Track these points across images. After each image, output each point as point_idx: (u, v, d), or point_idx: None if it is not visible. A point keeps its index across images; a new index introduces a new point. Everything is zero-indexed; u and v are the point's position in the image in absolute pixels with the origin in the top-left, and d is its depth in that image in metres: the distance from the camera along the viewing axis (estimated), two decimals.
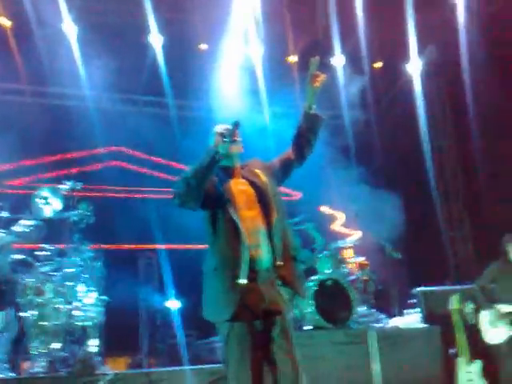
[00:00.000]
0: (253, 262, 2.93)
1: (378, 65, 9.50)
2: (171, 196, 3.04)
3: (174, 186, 3.02)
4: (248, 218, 3.01)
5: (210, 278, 2.99)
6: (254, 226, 3.00)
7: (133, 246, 7.49)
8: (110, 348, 5.69)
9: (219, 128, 3.09)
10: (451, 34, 8.41)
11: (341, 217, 8.39)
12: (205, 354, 6.25)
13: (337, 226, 8.31)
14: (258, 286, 2.91)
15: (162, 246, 7.22)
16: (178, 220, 7.29)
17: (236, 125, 3.06)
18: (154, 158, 8.69)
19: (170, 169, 8.48)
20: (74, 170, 7.80)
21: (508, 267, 5.41)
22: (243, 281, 2.87)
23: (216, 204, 3.02)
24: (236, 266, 2.89)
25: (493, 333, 5.25)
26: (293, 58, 9.36)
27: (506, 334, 5.16)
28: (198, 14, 8.54)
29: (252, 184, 3.11)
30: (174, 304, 6.96)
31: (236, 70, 8.90)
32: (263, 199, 3.07)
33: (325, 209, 8.44)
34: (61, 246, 5.48)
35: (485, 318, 5.31)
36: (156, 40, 8.60)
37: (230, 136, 3.01)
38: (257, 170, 3.17)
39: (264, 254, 2.97)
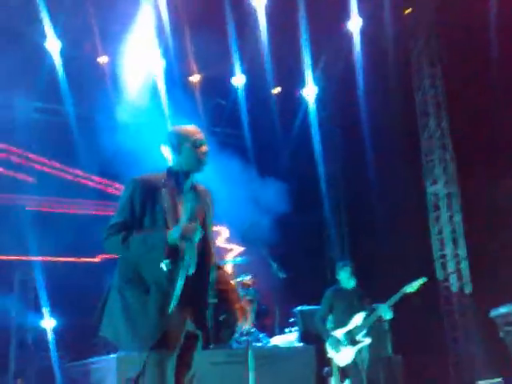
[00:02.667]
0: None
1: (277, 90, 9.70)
2: (103, 239, 2.84)
3: (106, 234, 2.84)
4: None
5: (136, 300, 2.77)
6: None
7: (6, 257, 7.14)
8: None
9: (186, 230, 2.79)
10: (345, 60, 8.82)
11: (224, 232, 8.51)
12: (79, 376, 6.06)
13: (220, 242, 8.41)
14: (183, 309, 2.81)
15: (40, 258, 6.93)
16: (56, 231, 7.11)
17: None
18: (39, 159, 8.30)
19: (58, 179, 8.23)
20: None
21: (339, 293, 5.76)
22: (170, 310, 2.71)
23: (155, 221, 2.85)
24: (168, 294, 2.73)
25: (340, 357, 5.49)
26: (195, 78, 9.38)
27: (351, 353, 5.44)
28: (98, 23, 8.36)
29: (200, 208, 3.00)
30: (48, 323, 6.69)
31: (137, 83, 8.78)
32: (204, 227, 2.94)
33: (212, 226, 8.44)
34: None
35: (328, 346, 5.56)
36: (53, 46, 8.32)
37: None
38: (207, 199, 3.09)
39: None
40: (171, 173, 3.01)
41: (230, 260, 7.26)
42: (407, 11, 9.06)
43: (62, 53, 8.27)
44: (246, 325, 6.40)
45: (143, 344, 2.74)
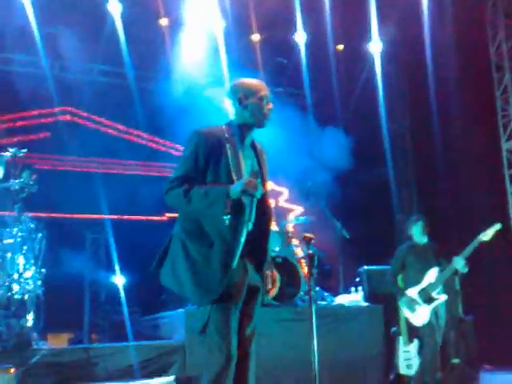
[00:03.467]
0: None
1: (340, 47, 9.37)
2: (164, 192, 2.86)
3: (168, 188, 2.84)
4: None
5: (202, 253, 2.79)
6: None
7: (78, 216, 7.37)
8: (52, 323, 5.59)
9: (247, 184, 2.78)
10: (413, 13, 8.38)
11: (284, 192, 8.43)
12: (149, 330, 6.23)
13: (281, 202, 8.35)
14: (245, 263, 2.88)
15: (111, 217, 7.12)
16: (125, 192, 7.26)
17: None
18: (108, 122, 8.47)
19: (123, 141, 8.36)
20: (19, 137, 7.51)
21: (412, 249, 5.55)
22: (234, 265, 2.77)
23: (221, 176, 2.85)
24: (232, 249, 2.78)
25: (416, 316, 5.32)
26: (255, 37, 9.18)
27: (427, 312, 5.25)
28: None
29: (258, 166, 3.03)
30: (119, 280, 6.90)
31: (198, 44, 8.71)
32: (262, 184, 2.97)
33: (269, 184, 8.42)
34: (0, 216, 5.34)
35: (402, 306, 5.42)
36: (115, 8, 8.34)
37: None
38: (264, 156, 3.10)
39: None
40: (233, 126, 2.97)
41: (292, 220, 7.19)
42: None
43: (123, 15, 8.28)
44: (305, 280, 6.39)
45: (207, 296, 2.77)
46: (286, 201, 8.53)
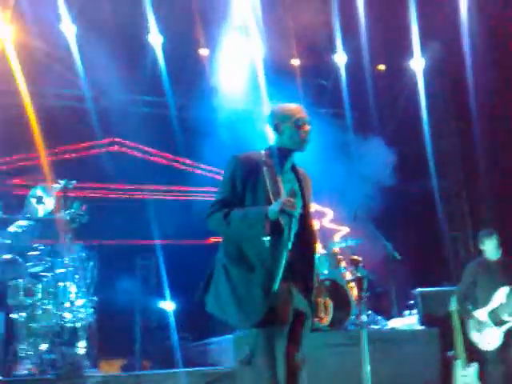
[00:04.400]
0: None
1: (381, 66, 9.33)
2: (206, 216, 2.93)
3: (210, 212, 2.90)
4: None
5: (242, 277, 2.80)
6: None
7: (128, 242, 7.49)
8: (104, 350, 5.64)
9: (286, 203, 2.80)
10: (455, 31, 8.27)
11: (329, 213, 8.32)
12: (199, 356, 6.20)
13: (326, 223, 8.22)
14: (289, 287, 2.85)
15: (159, 242, 7.20)
16: (172, 218, 7.35)
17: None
18: (154, 151, 8.66)
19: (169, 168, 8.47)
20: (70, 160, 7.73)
21: (485, 265, 5.22)
22: (275, 288, 2.73)
23: (259, 199, 2.87)
24: (273, 271, 2.75)
25: (483, 338, 5.03)
26: (295, 61, 9.24)
27: (497, 335, 4.93)
28: (198, 16, 8.47)
29: (300, 189, 3.02)
30: (169, 305, 6.92)
31: (238, 71, 8.83)
32: (304, 207, 2.99)
33: (313, 206, 8.37)
34: (53, 246, 5.45)
35: (470, 325, 5.14)
36: (156, 40, 8.55)
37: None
38: (307, 180, 3.12)
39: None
40: (272, 152, 3.00)
41: (340, 241, 7.08)
42: None
43: (164, 47, 8.47)
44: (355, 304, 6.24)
45: (248, 320, 2.76)
46: (331, 221, 8.42)
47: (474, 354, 5.19)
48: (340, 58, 8.99)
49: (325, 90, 9.37)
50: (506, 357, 4.86)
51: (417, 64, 8.99)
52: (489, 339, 4.96)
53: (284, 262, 2.76)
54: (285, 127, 3.00)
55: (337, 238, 8.02)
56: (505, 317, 4.89)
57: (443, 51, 9.00)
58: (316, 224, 8.46)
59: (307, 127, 3.01)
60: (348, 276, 6.51)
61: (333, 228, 8.34)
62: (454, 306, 5.53)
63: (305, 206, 2.97)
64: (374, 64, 8.98)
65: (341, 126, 8.73)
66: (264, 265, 2.76)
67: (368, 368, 4.47)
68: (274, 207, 2.76)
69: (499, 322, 4.90)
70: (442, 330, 5.76)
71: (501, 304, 4.93)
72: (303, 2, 8.34)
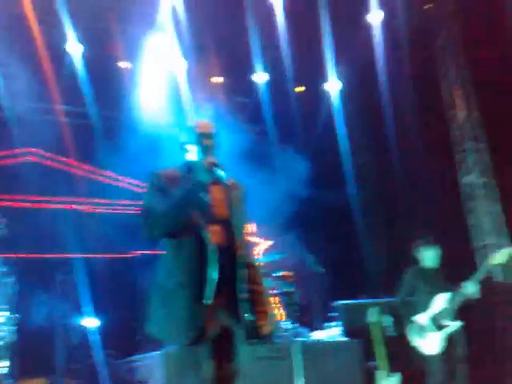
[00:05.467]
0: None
1: (301, 88, 9.66)
2: (140, 229, 2.93)
3: (143, 220, 2.92)
4: (216, 232, 2.93)
5: (170, 295, 2.82)
6: (217, 242, 2.91)
7: (47, 255, 7.17)
8: (25, 369, 5.37)
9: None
10: (368, 52, 8.77)
11: (251, 227, 8.44)
12: (125, 374, 6.02)
13: (248, 237, 8.31)
14: (217, 305, 2.84)
15: (80, 255, 6.95)
16: (92, 231, 7.12)
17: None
18: (72, 162, 8.37)
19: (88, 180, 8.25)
20: None
21: (421, 274, 5.32)
22: (209, 301, 2.78)
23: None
24: (203, 283, 2.79)
25: (426, 343, 5.09)
26: (217, 79, 9.36)
27: (439, 339, 5.02)
28: (119, 29, 8.35)
29: (226, 199, 3.06)
30: (92, 322, 6.66)
31: (159, 86, 8.78)
32: (230, 217, 3.02)
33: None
34: None
35: (412, 332, 5.19)
36: (75, 49, 8.32)
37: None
38: (236, 191, 3.15)
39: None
40: (187, 166, 3.09)
41: (264, 257, 7.20)
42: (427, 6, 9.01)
43: (83, 56, 8.28)
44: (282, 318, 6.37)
45: (175, 339, 2.83)
46: (253, 235, 8.53)
47: (396, 363, 5.39)
48: (260, 77, 9.22)
49: (246, 107, 9.52)
50: (449, 357, 4.97)
51: (333, 86, 9.43)
52: (431, 343, 5.05)
53: (215, 277, 2.79)
54: (191, 143, 3.11)
55: (258, 251, 8.14)
56: (445, 321, 5.01)
57: (358, 74, 9.50)
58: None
59: (206, 141, 3.09)
60: (272, 290, 6.62)
61: (254, 241, 8.45)
62: (373, 317, 5.77)
63: (232, 220, 3.00)
64: (293, 84, 9.28)
65: (262, 142, 8.91)
66: (193, 280, 2.80)
67: (299, 380, 4.59)
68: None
69: (440, 327, 5.01)
70: (364, 340, 5.97)
71: (441, 309, 5.04)
72: (225, 21, 8.50)
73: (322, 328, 6.82)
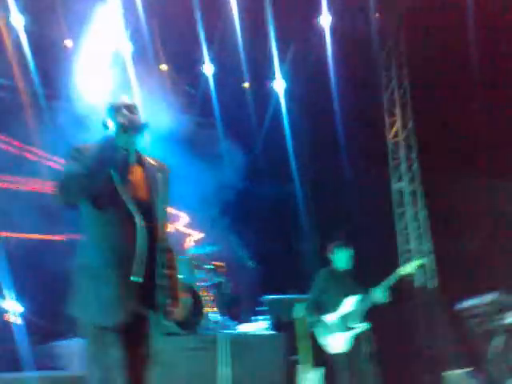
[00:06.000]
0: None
1: (246, 84, 9.68)
2: (53, 195, 2.78)
3: (56, 186, 2.78)
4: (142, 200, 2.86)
5: (96, 274, 2.72)
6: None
7: None
8: None
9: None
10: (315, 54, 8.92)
11: (184, 217, 8.44)
12: (46, 360, 5.86)
13: (180, 227, 8.32)
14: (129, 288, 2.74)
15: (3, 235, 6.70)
16: (18, 210, 6.87)
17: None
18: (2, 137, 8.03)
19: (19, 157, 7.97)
20: None
21: (332, 275, 5.43)
22: (138, 279, 2.72)
23: (105, 190, 2.80)
24: (129, 261, 2.72)
25: (332, 342, 5.22)
26: (164, 67, 9.25)
27: (344, 340, 5.16)
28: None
29: (146, 182, 2.95)
30: (13, 306, 6.43)
31: (102, 67, 8.56)
32: (150, 201, 2.91)
33: (169, 209, 8.40)
34: None
35: (319, 331, 5.31)
36: (17, 20, 8.01)
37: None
38: (159, 174, 3.02)
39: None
40: (107, 142, 2.92)
41: (198, 248, 7.20)
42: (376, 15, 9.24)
43: (26, 29, 7.98)
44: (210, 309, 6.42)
45: (107, 318, 2.70)
46: (186, 226, 8.51)
47: (322, 358, 5.41)
48: (208, 68, 9.19)
49: (193, 97, 9.46)
50: (352, 363, 5.11)
51: (278, 85, 9.53)
52: (337, 343, 5.18)
53: (144, 253, 2.76)
54: (110, 118, 2.97)
55: (189, 242, 8.14)
56: (353, 323, 5.16)
57: (300, 74, 9.64)
58: (169, 223, 8.43)
59: (124, 112, 2.95)
60: (203, 281, 6.64)
61: (186, 232, 8.43)
62: (298, 313, 5.90)
63: (149, 200, 2.92)
64: (240, 78, 9.31)
65: (207, 134, 8.90)
66: (120, 258, 2.74)
67: (224, 372, 4.65)
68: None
69: (347, 328, 5.16)
70: (289, 335, 6.09)
71: (350, 311, 5.19)
72: (176, 10, 8.41)
73: (249, 321, 6.91)
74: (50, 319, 6.22)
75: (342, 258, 5.40)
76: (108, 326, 2.70)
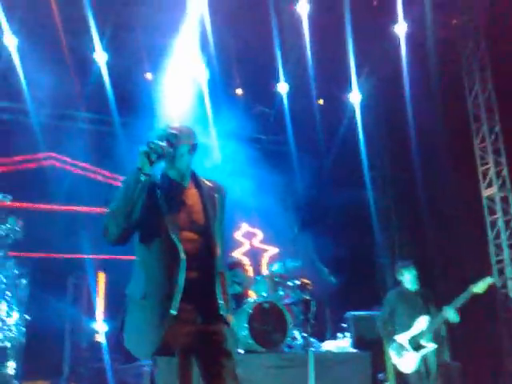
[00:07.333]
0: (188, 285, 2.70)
1: (321, 101, 9.63)
2: (103, 234, 2.77)
3: (104, 222, 2.75)
4: (188, 239, 2.78)
5: (136, 307, 2.72)
6: (194, 249, 2.76)
7: (61, 256, 7.28)
8: (31, 370, 5.40)
9: (146, 145, 2.74)
10: (391, 64, 8.71)
11: (259, 233, 8.47)
12: (130, 379, 6.04)
13: (256, 243, 8.35)
14: (193, 309, 2.73)
15: (91, 256, 7.05)
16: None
17: (165, 138, 2.79)
18: (91, 167, 8.54)
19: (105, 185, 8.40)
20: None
21: (403, 295, 5.51)
22: (174, 312, 2.64)
23: (152, 220, 2.75)
24: (169, 294, 2.66)
25: (404, 363, 5.30)
26: (239, 90, 9.42)
27: (415, 359, 5.25)
28: (144, 39, 8.48)
29: (203, 204, 2.89)
30: (101, 327, 6.73)
31: (183, 94, 8.86)
32: (207, 223, 2.85)
33: (244, 226, 8.59)
34: None
35: (391, 352, 5.40)
36: (100, 57, 8.48)
37: (157, 152, 2.71)
38: (215, 195, 2.96)
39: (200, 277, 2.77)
40: (159, 172, 2.94)
41: (279, 265, 7.15)
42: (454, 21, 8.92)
43: (109, 65, 8.42)
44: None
45: (145, 350, 2.69)
46: (261, 242, 8.57)
47: (403, 377, 5.38)
48: (282, 87, 9.23)
49: (267, 117, 9.55)
50: (420, 380, 5.20)
51: (354, 97, 9.38)
52: (407, 363, 5.27)
53: (181, 283, 2.68)
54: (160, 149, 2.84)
55: (266, 257, 8.15)
56: (423, 342, 5.24)
57: (380, 86, 9.44)
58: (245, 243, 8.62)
59: (164, 142, 2.83)
60: (285, 299, 6.57)
61: (262, 248, 8.49)
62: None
63: (207, 222, 2.86)
64: (315, 94, 9.26)
65: (283, 153, 8.94)
66: (159, 291, 2.68)
67: None
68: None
69: (418, 347, 5.24)
70: (373, 353, 5.92)
71: (421, 331, 5.26)
72: (248, 31, 8.56)
73: (332, 338, 6.75)
74: None
75: (409, 279, 5.50)
76: (141, 357, 2.77)
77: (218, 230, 2.91)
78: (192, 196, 2.91)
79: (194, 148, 2.96)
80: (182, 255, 2.69)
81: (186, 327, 2.71)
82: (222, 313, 2.79)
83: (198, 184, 2.97)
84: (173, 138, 2.85)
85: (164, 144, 2.78)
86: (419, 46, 8.50)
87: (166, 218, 2.76)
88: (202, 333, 2.75)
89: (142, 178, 2.68)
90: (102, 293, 7.28)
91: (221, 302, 2.80)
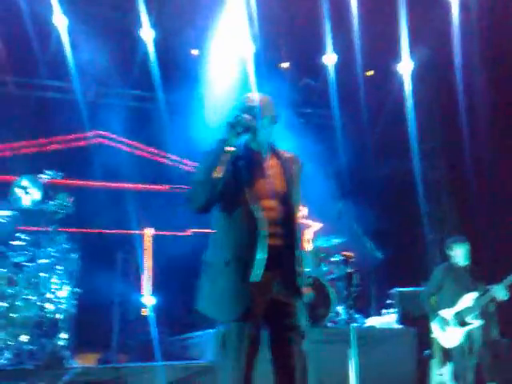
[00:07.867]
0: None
1: (370, 72, 9.39)
2: (185, 203, 2.87)
3: (187, 193, 2.88)
4: (270, 207, 2.86)
5: (219, 273, 2.80)
6: (275, 217, 2.85)
7: (110, 231, 7.53)
8: (80, 342, 5.60)
9: (233, 118, 2.85)
10: (444, 34, 8.35)
11: (303, 210, 8.41)
12: (177, 350, 6.21)
13: (299, 219, 8.29)
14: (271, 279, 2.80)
15: (139, 232, 7.20)
16: (152, 209, 7.38)
17: (248, 111, 2.89)
18: (138, 145, 8.70)
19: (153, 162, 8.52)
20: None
21: (451, 270, 5.44)
22: (257, 278, 2.74)
23: (234, 190, 2.84)
24: (253, 262, 2.74)
25: (446, 338, 5.28)
26: (285, 64, 9.30)
27: (459, 335, 5.21)
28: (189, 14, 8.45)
29: (283, 174, 2.98)
30: (149, 300, 6.93)
31: (228, 70, 8.83)
32: (287, 192, 2.94)
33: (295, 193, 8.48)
34: (36, 236, 5.45)
35: (434, 326, 5.37)
36: (147, 34, 8.52)
37: (243, 125, 2.83)
38: (293, 166, 3.05)
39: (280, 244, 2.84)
40: (238, 146, 2.98)
41: (323, 241, 7.12)
42: None
43: (156, 42, 8.45)
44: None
45: (225, 315, 2.78)
46: (305, 217, 8.52)
47: (449, 353, 5.32)
48: (329, 59, 9.04)
49: (313, 89, 9.40)
50: (463, 355, 5.16)
51: (405, 67, 9.08)
52: (450, 337, 5.24)
53: (264, 249, 2.75)
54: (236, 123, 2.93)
55: (310, 233, 8.11)
56: (468, 319, 5.18)
57: (431, 55, 9.10)
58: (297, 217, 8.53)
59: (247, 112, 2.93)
60: (329, 274, 6.57)
61: (306, 223, 8.45)
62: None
63: (287, 192, 2.95)
64: (362, 66, 9.02)
65: (328, 126, 8.80)
66: (240, 257, 2.75)
67: (352, 365, 4.61)
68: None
69: (462, 323, 5.19)
70: (419, 329, 5.85)
71: (466, 307, 5.20)
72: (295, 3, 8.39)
73: (377, 314, 6.71)
74: (181, 311, 6.58)
75: (459, 254, 5.40)
76: (222, 321, 2.81)
77: (297, 199, 3.01)
78: (272, 166, 3.00)
79: (274, 119, 3.03)
80: (264, 223, 2.79)
81: (264, 295, 2.79)
82: (298, 282, 2.86)
83: (277, 155, 3.06)
84: (256, 111, 2.93)
85: (249, 117, 2.88)
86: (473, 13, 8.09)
87: (247, 187, 2.86)
88: (276, 303, 2.83)
89: (228, 149, 2.81)
90: (150, 266, 7.51)
91: (299, 270, 2.88)
